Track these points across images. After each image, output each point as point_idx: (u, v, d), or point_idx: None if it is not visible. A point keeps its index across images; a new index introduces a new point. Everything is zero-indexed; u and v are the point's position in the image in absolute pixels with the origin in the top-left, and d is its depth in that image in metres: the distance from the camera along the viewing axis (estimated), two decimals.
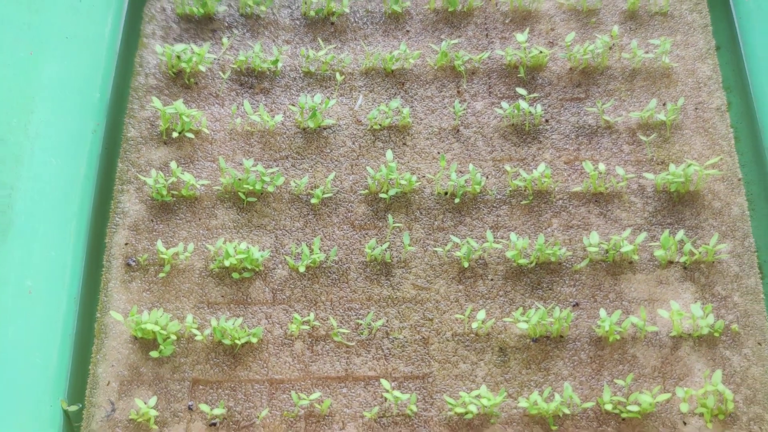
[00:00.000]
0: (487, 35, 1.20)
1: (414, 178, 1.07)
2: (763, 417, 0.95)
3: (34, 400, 0.95)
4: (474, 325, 0.99)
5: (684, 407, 0.94)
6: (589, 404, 0.95)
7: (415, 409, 0.96)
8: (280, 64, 1.17)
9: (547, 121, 1.13)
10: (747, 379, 0.97)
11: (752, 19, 1.18)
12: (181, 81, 1.17)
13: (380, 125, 1.13)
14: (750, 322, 1.00)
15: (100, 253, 1.07)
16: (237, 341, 0.99)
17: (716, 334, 1.00)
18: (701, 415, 0.95)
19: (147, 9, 1.22)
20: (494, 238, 1.05)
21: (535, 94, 1.14)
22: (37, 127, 0.99)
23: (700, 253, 1.03)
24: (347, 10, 1.21)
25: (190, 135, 1.11)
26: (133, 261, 1.05)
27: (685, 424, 0.95)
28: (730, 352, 0.99)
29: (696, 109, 1.13)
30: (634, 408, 0.94)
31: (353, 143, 1.12)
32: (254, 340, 1.00)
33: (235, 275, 1.04)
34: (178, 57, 1.15)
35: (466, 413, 0.95)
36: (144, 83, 1.16)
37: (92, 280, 1.07)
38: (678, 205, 1.07)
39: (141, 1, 1.24)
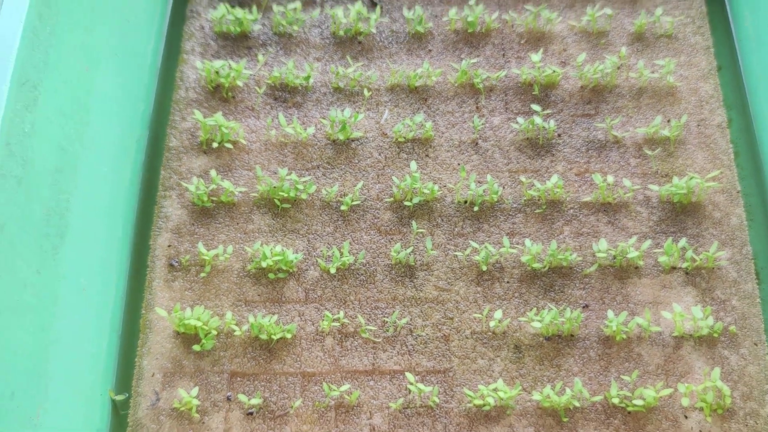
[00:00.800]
0: (503, 55, 1.25)
1: (436, 187, 1.13)
2: (759, 412, 1.01)
3: (86, 389, 1.01)
4: (491, 324, 1.04)
5: (685, 402, 1.00)
6: (597, 398, 1.01)
7: (437, 400, 1.01)
8: (311, 80, 1.22)
9: (559, 135, 1.18)
10: (744, 377, 1.03)
11: (751, 42, 1.23)
12: (219, 95, 1.22)
13: (405, 138, 1.19)
14: (747, 324, 1.06)
15: (144, 255, 1.13)
16: (272, 336, 1.05)
17: (715, 335, 1.05)
18: (701, 409, 1.01)
19: (187, 27, 1.28)
20: (510, 243, 1.11)
21: (548, 111, 1.20)
22: (91, 137, 1.05)
23: (701, 259, 1.08)
24: (374, 30, 1.27)
25: (228, 145, 1.17)
26: (176, 262, 1.11)
27: (686, 417, 1.01)
28: (729, 352, 1.05)
29: (698, 125, 1.19)
30: (639, 402, 0.99)
31: (380, 154, 1.18)
32: (288, 335, 1.05)
33: (271, 276, 1.10)
34: (217, 72, 1.20)
35: (484, 405, 1.01)
36: (185, 96, 1.22)
37: (138, 279, 1.12)
38: (681, 215, 1.13)
39: (181, 19, 1.29)
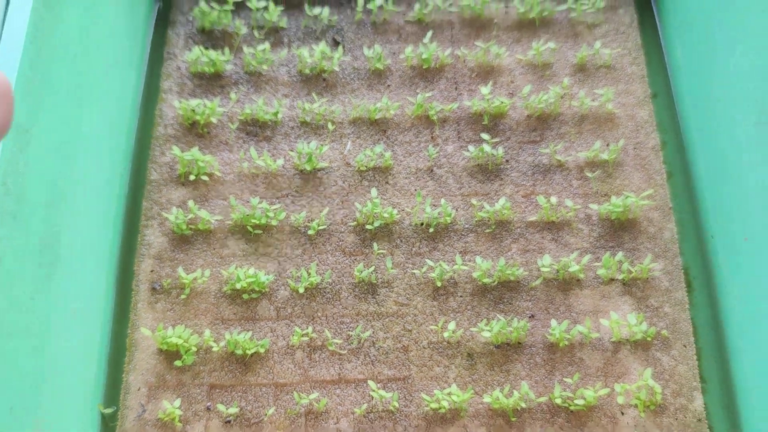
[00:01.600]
0: (456, 88, 1.34)
1: (395, 211, 1.22)
2: (687, 407, 1.11)
3: (77, 404, 1.09)
4: (446, 335, 1.13)
5: (620, 399, 1.09)
6: (542, 399, 1.10)
7: (397, 405, 1.10)
8: (280, 115, 1.31)
9: (507, 161, 1.27)
10: (674, 376, 1.13)
11: (682, 71, 1.32)
12: (195, 131, 1.31)
13: (366, 167, 1.27)
14: (677, 329, 1.16)
15: (129, 279, 1.21)
16: (247, 351, 1.13)
17: (649, 339, 1.14)
18: (636, 406, 1.11)
19: (164, 68, 1.36)
20: (462, 261, 1.20)
21: (497, 139, 1.28)
22: (78, 172, 1.12)
23: (636, 271, 1.18)
24: (337, 69, 1.35)
25: (204, 177, 1.25)
26: (158, 285, 1.20)
27: (623, 414, 1.10)
28: (661, 354, 1.14)
29: (634, 148, 1.28)
30: (581, 401, 1.08)
31: (343, 182, 1.27)
32: (262, 350, 1.14)
33: (245, 296, 1.18)
34: (193, 110, 1.29)
35: (440, 408, 1.09)
36: (164, 133, 1.31)
37: (123, 302, 1.20)
38: (619, 230, 1.22)
39: (159, 61, 1.38)
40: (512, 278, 1.19)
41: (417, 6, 1.39)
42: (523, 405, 1.10)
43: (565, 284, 1.19)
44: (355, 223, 1.23)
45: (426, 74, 1.36)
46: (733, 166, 1.15)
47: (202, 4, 1.38)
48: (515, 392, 1.10)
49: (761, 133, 1.07)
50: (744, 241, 1.12)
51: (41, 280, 1.03)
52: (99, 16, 1.21)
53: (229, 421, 1.11)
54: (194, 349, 1.15)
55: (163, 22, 1.43)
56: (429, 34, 1.35)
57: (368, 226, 1.22)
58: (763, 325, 1.06)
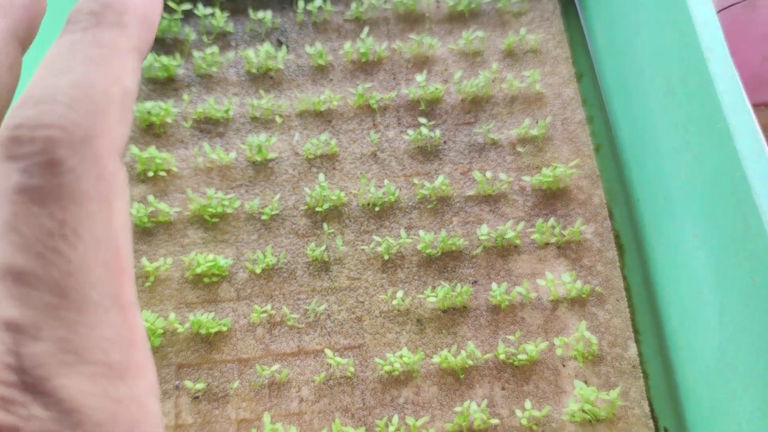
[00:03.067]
0: (394, 78, 1.43)
1: (343, 194, 1.30)
2: (623, 355, 1.20)
3: None
4: (395, 302, 1.21)
5: (559, 351, 1.18)
6: (488, 356, 1.17)
7: (353, 370, 1.17)
8: (231, 113, 1.39)
9: (445, 142, 1.36)
10: (610, 328, 1.21)
11: (604, 51, 1.43)
12: (152, 131, 1.39)
13: (314, 155, 1.35)
14: (610, 285, 1.24)
15: None
16: (211, 331, 1.20)
17: (584, 296, 1.23)
18: (575, 357, 1.20)
19: None
20: (407, 235, 1.28)
21: (434, 122, 1.37)
22: None
23: (568, 234, 1.27)
24: (282, 67, 1.44)
25: (162, 173, 1.33)
26: None
27: (564, 366, 1.19)
28: (596, 309, 1.23)
29: (562, 123, 1.38)
30: (523, 356, 1.17)
31: (293, 170, 1.35)
32: (224, 329, 1.21)
33: (206, 280, 1.25)
34: (149, 112, 1.37)
35: (393, 371, 1.17)
36: None
37: None
38: (551, 199, 1.31)
39: None
40: (454, 248, 1.27)
41: (354, 5, 1.48)
42: (471, 363, 1.18)
43: (504, 251, 1.27)
44: (306, 207, 1.31)
45: (365, 67, 1.45)
46: (650, 133, 1.25)
47: None
48: (462, 352, 1.18)
49: (668, 101, 1.18)
50: (664, 200, 1.22)
51: None
52: (54, 29, 1.29)
53: (197, 397, 1.17)
54: (161, 331, 1.21)
55: None
56: (366, 30, 1.45)
57: (318, 209, 1.30)
58: (683, 274, 1.16)
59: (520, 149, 1.35)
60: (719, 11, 1.28)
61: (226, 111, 1.39)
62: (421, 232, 1.27)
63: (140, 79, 0.32)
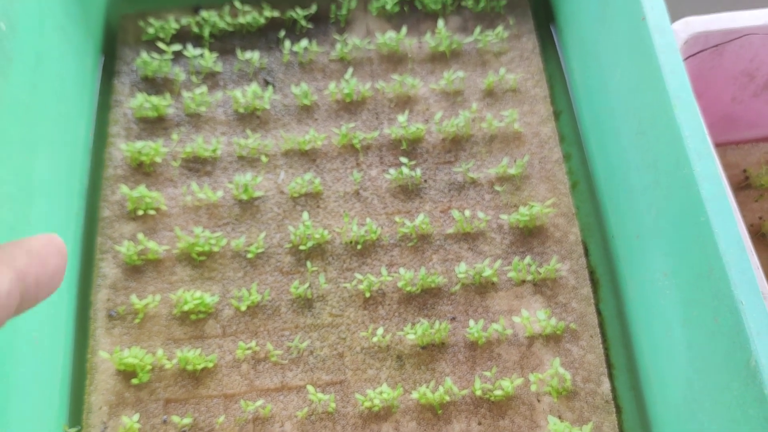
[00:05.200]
0: (377, 117, 1.47)
1: (326, 232, 1.33)
2: (596, 390, 1.23)
3: (42, 426, 1.18)
4: (375, 339, 1.25)
5: (533, 387, 1.21)
6: (465, 392, 1.21)
7: (334, 406, 1.21)
8: (218, 152, 1.43)
9: (425, 181, 1.39)
10: (584, 364, 1.25)
11: (581, 90, 1.46)
12: (142, 170, 1.42)
13: (299, 193, 1.39)
14: (585, 321, 1.28)
15: (87, 309, 1.31)
16: (197, 367, 1.23)
17: (559, 332, 1.26)
18: (550, 393, 1.24)
19: (112, 115, 1.48)
20: (388, 272, 1.31)
21: (415, 161, 1.41)
22: (36, 215, 1.22)
23: (544, 272, 1.31)
24: (268, 106, 1.48)
25: (152, 212, 1.36)
26: (114, 312, 1.30)
27: (539, 401, 1.22)
28: (571, 345, 1.26)
29: (539, 162, 1.41)
30: (499, 392, 1.20)
31: (278, 209, 1.38)
32: (210, 365, 1.24)
33: (193, 317, 1.29)
34: (139, 151, 1.41)
35: (373, 406, 1.21)
36: (113, 173, 1.42)
37: (83, 330, 1.31)
38: (528, 237, 1.35)
39: (106, 109, 1.50)
40: (433, 285, 1.30)
41: (338, 46, 1.52)
42: (448, 398, 1.21)
43: (481, 288, 1.31)
44: (290, 245, 1.35)
45: (349, 107, 1.49)
46: (623, 171, 1.29)
47: (144, 55, 1.51)
48: (440, 387, 1.21)
49: (640, 141, 1.21)
50: (636, 239, 1.26)
51: None
52: (47, 73, 1.33)
53: (184, 431, 1.21)
54: (149, 367, 1.25)
55: (108, 72, 1.56)
56: (350, 70, 1.49)
57: (302, 247, 1.34)
58: (655, 312, 1.20)
59: (498, 188, 1.39)
60: (687, 57, 1.32)
61: (214, 150, 1.43)
62: (402, 270, 1.31)
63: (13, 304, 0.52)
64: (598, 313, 1.31)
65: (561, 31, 1.56)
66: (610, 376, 1.26)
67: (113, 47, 1.59)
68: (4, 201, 1.16)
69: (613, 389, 1.25)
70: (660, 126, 1.15)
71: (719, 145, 1.63)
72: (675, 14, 1.28)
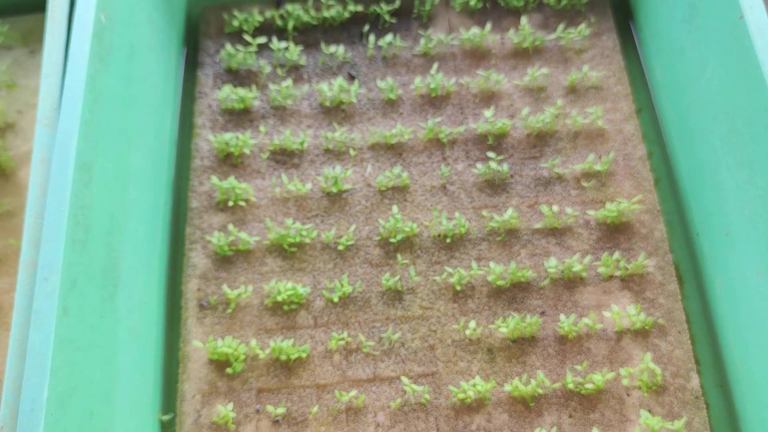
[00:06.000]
0: (462, 113, 1.48)
1: (415, 225, 1.35)
2: (685, 386, 1.24)
3: (141, 412, 1.21)
4: (467, 333, 1.26)
5: (625, 381, 1.22)
6: (556, 385, 1.22)
7: (428, 397, 1.22)
8: (305, 145, 1.44)
9: (512, 176, 1.40)
10: (672, 359, 1.25)
11: (662, 89, 1.47)
12: (230, 161, 1.44)
13: (386, 187, 1.40)
14: (672, 317, 1.29)
15: (178, 298, 1.34)
16: (290, 357, 1.25)
17: (647, 328, 1.27)
18: (639, 387, 1.24)
19: (197, 106, 1.50)
20: (478, 266, 1.33)
21: (501, 156, 1.41)
22: (130, 204, 1.25)
23: (632, 268, 1.31)
24: (354, 100, 1.49)
25: (241, 203, 1.38)
26: (205, 302, 1.32)
27: (628, 395, 1.23)
28: (659, 340, 1.27)
29: (624, 159, 1.42)
30: (590, 386, 1.21)
31: (366, 202, 1.40)
32: (303, 355, 1.26)
33: (285, 307, 1.30)
34: (227, 143, 1.42)
35: (466, 398, 1.22)
36: (200, 164, 1.44)
37: (174, 319, 1.33)
38: (614, 233, 1.36)
39: (191, 100, 1.52)
40: (523, 280, 1.31)
41: (422, 41, 1.53)
42: (540, 391, 1.22)
43: (570, 283, 1.32)
44: (379, 237, 1.36)
45: (434, 101, 1.50)
46: (711, 169, 1.30)
47: (228, 47, 1.52)
48: (532, 380, 1.22)
49: (732, 140, 1.22)
50: (725, 236, 1.26)
51: (107, 301, 1.15)
52: (138, 65, 1.35)
53: (277, 421, 1.22)
54: (242, 357, 1.27)
55: (191, 64, 1.57)
56: (435, 65, 1.50)
57: (391, 240, 1.35)
58: (745, 309, 1.20)
59: (584, 184, 1.40)
60: None
61: (301, 143, 1.44)
62: (491, 264, 1.32)
63: None
64: (683, 310, 1.31)
65: (641, 29, 1.56)
66: (697, 373, 1.26)
67: (195, 39, 1.60)
68: (104, 189, 1.18)
69: (701, 386, 1.25)
70: (758, 126, 1.15)
71: None
72: None
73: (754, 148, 1.17)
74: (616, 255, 1.32)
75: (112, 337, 1.17)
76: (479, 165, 1.41)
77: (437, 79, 1.47)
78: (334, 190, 1.40)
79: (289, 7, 1.57)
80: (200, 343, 1.27)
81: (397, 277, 1.31)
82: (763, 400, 1.16)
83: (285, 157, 1.45)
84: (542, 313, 1.30)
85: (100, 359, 1.12)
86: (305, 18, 1.56)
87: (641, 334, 1.28)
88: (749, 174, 1.19)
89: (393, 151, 1.45)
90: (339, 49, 1.53)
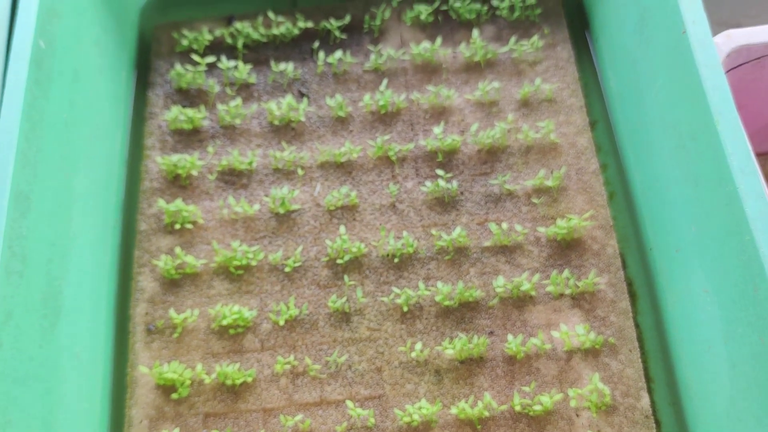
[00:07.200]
0: (412, 129, 1.46)
1: (363, 245, 1.34)
2: (636, 406, 1.23)
3: None
4: (413, 354, 1.25)
5: (573, 403, 1.20)
6: (504, 407, 1.21)
7: (374, 421, 1.21)
8: (254, 164, 1.43)
9: (462, 193, 1.39)
10: (623, 378, 1.24)
11: (617, 100, 1.45)
12: (178, 183, 1.43)
13: (335, 206, 1.39)
14: (623, 335, 1.27)
15: (126, 323, 1.33)
16: (236, 381, 1.24)
17: (598, 347, 1.26)
18: (589, 408, 1.23)
19: (147, 127, 1.49)
20: (426, 286, 1.31)
21: (451, 173, 1.40)
22: (74, 229, 1.24)
23: (582, 285, 1.30)
24: (303, 118, 1.48)
25: (189, 225, 1.37)
26: (153, 327, 1.31)
27: (578, 416, 1.22)
28: (609, 359, 1.26)
29: (576, 173, 1.40)
30: (538, 407, 1.20)
31: (315, 222, 1.39)
32: (249, 379, 1.25)
33: (231, 331, 1.29)
34: (175, 164, 1.41)
35: (412, 421, 1.21)
36: (149, 186, 1.43)
37: (122, 344, 1.32)
38: (566, 249, 1.34)
39: (141, 121, 1.51)
40: (471, 299, 1.30)
41: (372, 56, 1.52)
42: (487, 414, 1.21)
43: (519, 302, 1.30)
44: (327, 258, 1.35)
45: (384, 118, 1.49)
46: (663, 184, 1.28)
47: (178, 67, 1.51)
48: (479, 402, 1.21)
49: (680, 154, 1.20)
50: (676, 252, 1.25)
51: (47, 330, 1.14)
52: (83, 89, 1.34)
53: None
54: (188, 382, 1.26)
55: (142, 85, 1.56)
56: (385, 81, 1.49)
57: (339, 261, 1.34)
58: (696, 327, 1.18)
59: (535, 200, 1.38)
60: (729, 70, 1.30)
61: (250, 163, 1.43)
62: (439, 284, 1.31)
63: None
64: (636, 326, 1.30)
65: (596, 39, 1.54)
66: (649, 391, 1.25)
67: (146, 59, 1.59)
68: (44, 217, 1.17)
69: (653, 403, 1.24)
70: (702, 141, 1.13)
71: (760, 155, 1.61)
72: (713, 23, 1.27)
73: (699, 164, 1.15)
74: (566, 273, 1.31)
75: (52, 367, 1.16)
76: (428, 183, 1.40)
77: (386, 96, 1.46)
78: (282, 210, 1.39)
79: (239, 25, 1.55)
80: (146, 369, 1.26)
81: (344, 299, 1.30)
82: (713, 419, 1.15)
83: (233, 178, 1.44)
84: (491, 333, 1.28)
85: (41, 390, 1.12)
86: (255, 35, 1.55)
87: (591, 354, 1.26)
88: (695, 190, 1.17)
89: (342, 169, 1.44)
90: (288, 67, 1.52)
